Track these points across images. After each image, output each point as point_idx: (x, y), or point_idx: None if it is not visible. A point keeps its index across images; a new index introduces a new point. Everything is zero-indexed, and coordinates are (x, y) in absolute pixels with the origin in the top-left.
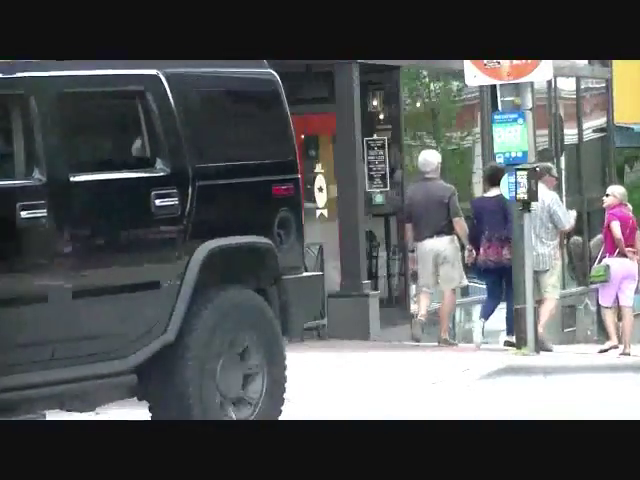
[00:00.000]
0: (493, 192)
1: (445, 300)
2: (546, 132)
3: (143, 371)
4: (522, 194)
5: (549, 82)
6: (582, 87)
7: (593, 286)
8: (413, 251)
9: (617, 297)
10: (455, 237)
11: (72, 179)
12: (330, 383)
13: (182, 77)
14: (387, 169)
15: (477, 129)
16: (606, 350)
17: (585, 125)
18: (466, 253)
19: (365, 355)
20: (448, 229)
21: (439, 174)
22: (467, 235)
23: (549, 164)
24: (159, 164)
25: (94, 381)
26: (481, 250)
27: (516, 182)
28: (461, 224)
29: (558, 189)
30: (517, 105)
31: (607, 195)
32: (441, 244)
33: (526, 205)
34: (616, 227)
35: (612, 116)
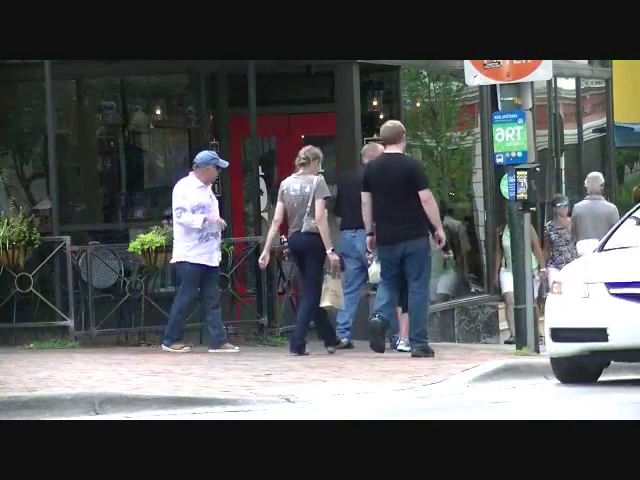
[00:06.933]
0: None
1: None
2: (546, 132)
3: None
4: (522, 194)
5: (549, 82)
6: (582, 87)
7: None
8: None
9: None
10: None
11: None
12: (330, 383)
13: None
14: None
15: (477, 129)
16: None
17: (585, 125)
18: None
19: (365, 355)
20: None
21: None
22: None
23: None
24: None
25: None
26: None
27: (516, 182)
28: None
29: (558, 189)
30: (517, 105)
31: None
32: None
33: (526, 205)
34: None
35: (612, 116)
